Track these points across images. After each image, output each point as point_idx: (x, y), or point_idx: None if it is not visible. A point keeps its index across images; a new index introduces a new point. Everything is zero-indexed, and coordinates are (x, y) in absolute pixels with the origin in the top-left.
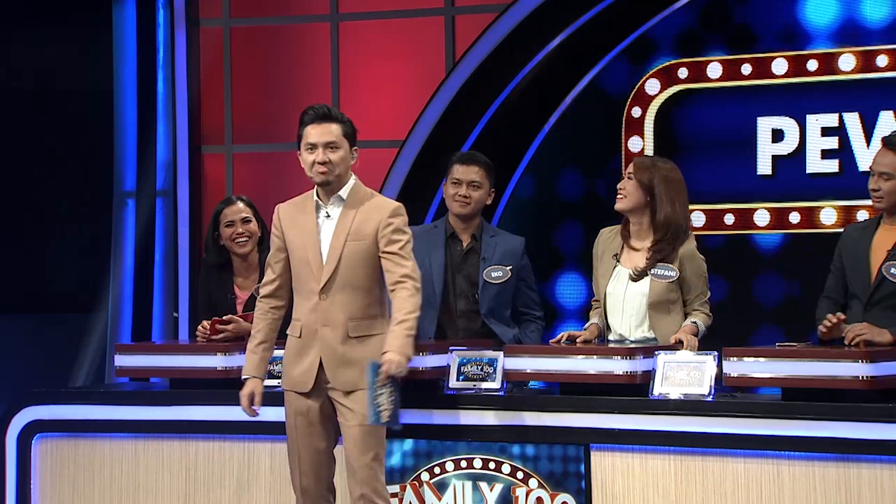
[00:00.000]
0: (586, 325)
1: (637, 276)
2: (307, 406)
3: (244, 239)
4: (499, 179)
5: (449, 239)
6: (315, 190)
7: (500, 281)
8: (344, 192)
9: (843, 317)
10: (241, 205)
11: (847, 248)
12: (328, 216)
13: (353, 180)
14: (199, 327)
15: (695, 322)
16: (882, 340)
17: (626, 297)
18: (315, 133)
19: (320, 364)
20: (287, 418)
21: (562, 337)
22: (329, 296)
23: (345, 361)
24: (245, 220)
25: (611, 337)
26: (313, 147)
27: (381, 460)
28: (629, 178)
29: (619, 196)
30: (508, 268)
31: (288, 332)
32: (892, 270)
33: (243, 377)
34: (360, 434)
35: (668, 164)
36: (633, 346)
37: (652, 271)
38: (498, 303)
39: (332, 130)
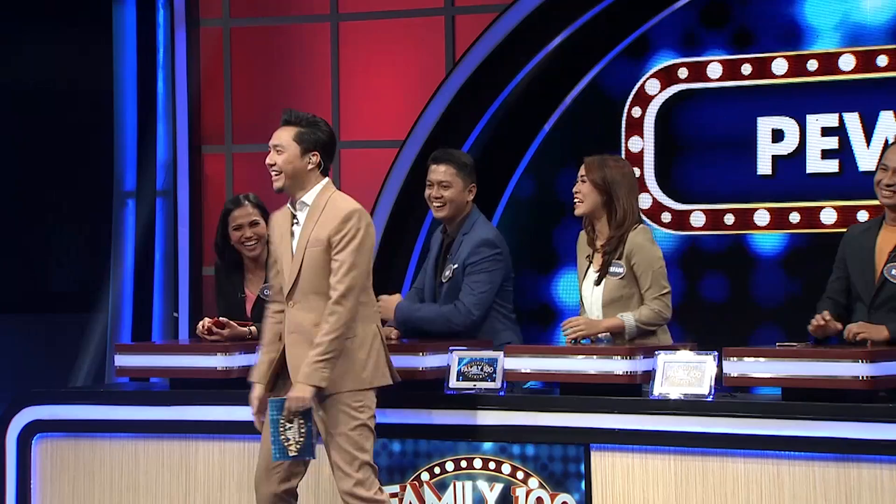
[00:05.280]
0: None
1: (599, 279)
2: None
3: (252, 242)
4: (499, 179)
5: (444, 240)
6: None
7: (447, 280)
8: (308, 198)
9: (828, 317)
10: (249, 207)
11: (850, 250)
12: (297, 223)
13: (320, 185)
14: (199, 325)
15: (621, 316)
16: (880, 338)
17: (592, 300)
18: (273, 137)
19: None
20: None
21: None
22: (295, 302)
23: None
24: (253, 224)
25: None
26: (269, 150)
27: (359, 462)
28: (582, 180)
29: (576, 200)
30: (455, 266)
31: None
32: (894, 272)
33: (250, 380)
34: (330, 444)
35: (619, 160)
36: (632, 345)
37: (609, 270)
38: (447, 302)
39: (280, 134)
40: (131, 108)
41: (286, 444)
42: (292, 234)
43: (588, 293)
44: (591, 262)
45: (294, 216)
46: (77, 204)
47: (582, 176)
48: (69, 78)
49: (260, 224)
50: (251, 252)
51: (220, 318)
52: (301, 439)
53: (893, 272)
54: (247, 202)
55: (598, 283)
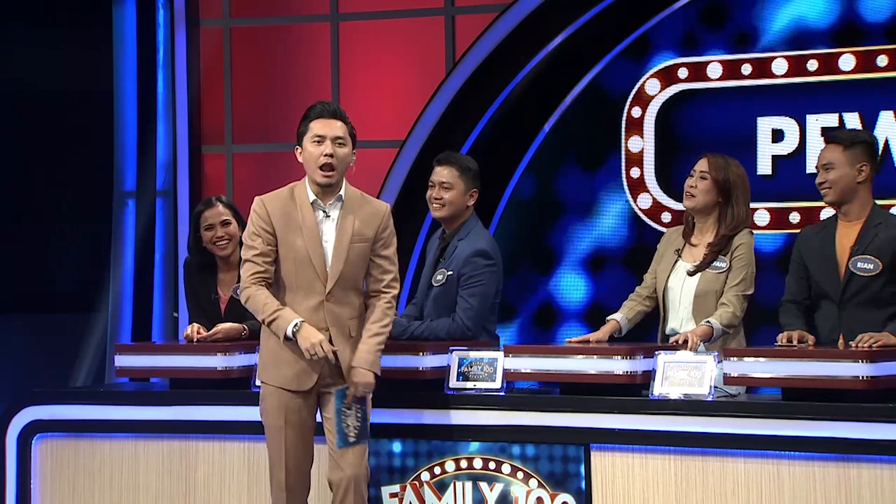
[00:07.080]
0: (608, 317)
1: (694, 271)
2: (299, 404)
3: (224, 241)
4: (499, 179)
5: (441, 243)
6: (308, 187)
7: (439, 284)
8: (343, 193)
9: (795, 338)
10: (220, 207)
11: (809, 251)
12: (327, 216)
13: (345, 181)
14: (188, 330)
15: (709, 322)
16: (891, 342)
17: (682, 291)
18: (324, 126)
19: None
20: (271, 416)
21: (576, 341)
22: (335, 296)
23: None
24: (224, 223)
25: (667, 330)
26: (321, 140)
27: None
28: (703, 177)
29: (688, 194)
30: (449, 273)
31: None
32: (859, 265)
33: (295, 324)
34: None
35: (739, 164)
36: (633, 345)
37: (712, 264)
38: (437, 306)
39: (340, 127)
40: (131, 108)
41: (346, 430)
42: (318, 226)
43: (678, 284)
44: (679, 256)
45: (324, 211)
46: (77, 204)
47: (703, 172)
48: (69, 78)
49: (231, 224)
50: (222, 251)
51: (209, 331)
52: (358, 424)
53: (859, 265)
54: (218, 203)
55: (691, 274)
